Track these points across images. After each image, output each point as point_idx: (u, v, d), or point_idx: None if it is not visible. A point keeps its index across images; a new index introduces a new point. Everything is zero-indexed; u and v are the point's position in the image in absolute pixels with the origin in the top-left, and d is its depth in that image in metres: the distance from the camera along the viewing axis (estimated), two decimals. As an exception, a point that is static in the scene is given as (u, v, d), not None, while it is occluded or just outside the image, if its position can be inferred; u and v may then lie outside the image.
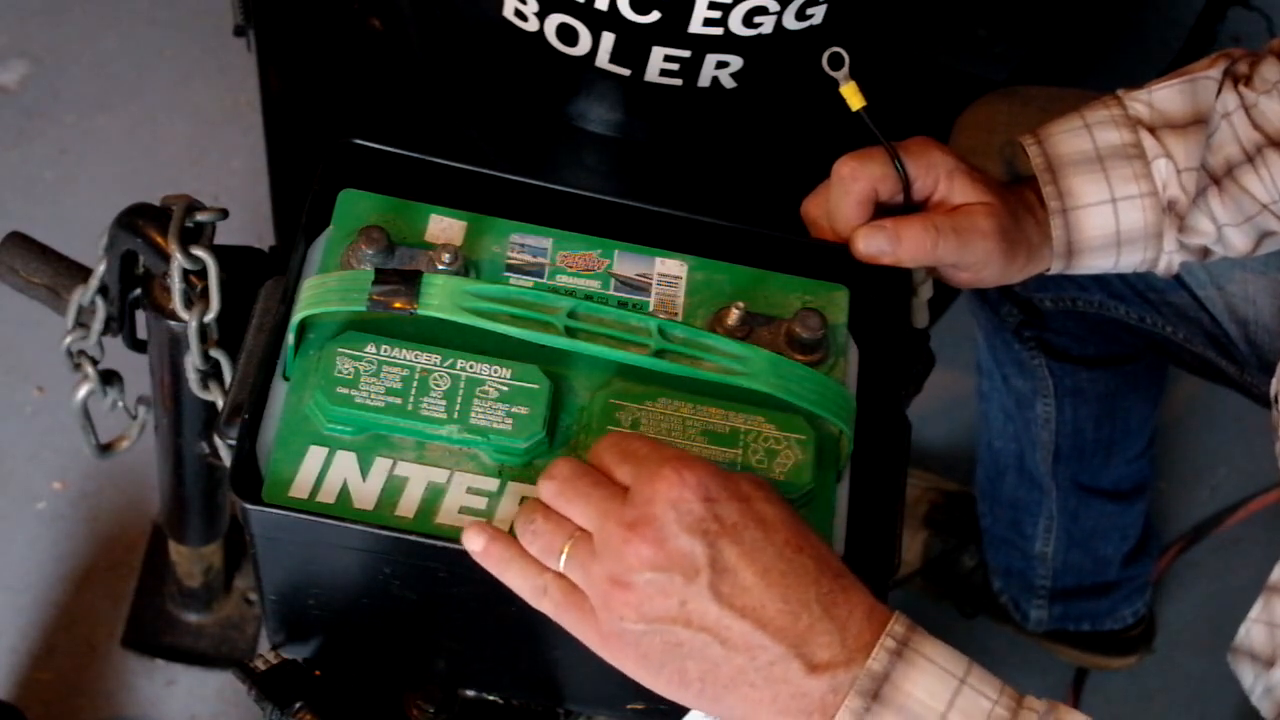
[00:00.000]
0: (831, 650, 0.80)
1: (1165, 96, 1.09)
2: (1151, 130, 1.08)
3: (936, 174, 1.02)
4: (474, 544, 0.85)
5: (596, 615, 0.83)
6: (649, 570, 0.80)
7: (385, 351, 0.90)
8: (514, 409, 0.89)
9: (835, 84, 1.01)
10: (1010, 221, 1.04)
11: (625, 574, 0.81)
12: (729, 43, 1.13)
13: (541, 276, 0.96)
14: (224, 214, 1.08)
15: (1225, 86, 1.09)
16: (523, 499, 0.88)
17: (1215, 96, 1.08)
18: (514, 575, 0.85)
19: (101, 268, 1.14)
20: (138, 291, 1.16)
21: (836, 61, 1.00)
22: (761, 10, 1.10)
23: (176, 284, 1.07)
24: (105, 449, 1.28)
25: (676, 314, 0.97)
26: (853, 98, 1.01)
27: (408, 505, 0.88)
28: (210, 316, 1.08)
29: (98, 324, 1.17)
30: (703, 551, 0.80)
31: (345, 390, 0.88)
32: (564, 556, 0.83)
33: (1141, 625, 1.82)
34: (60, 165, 2.00)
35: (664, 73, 1.15)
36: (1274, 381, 1.05)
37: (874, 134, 1.00)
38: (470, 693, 1.13)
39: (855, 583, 0.83)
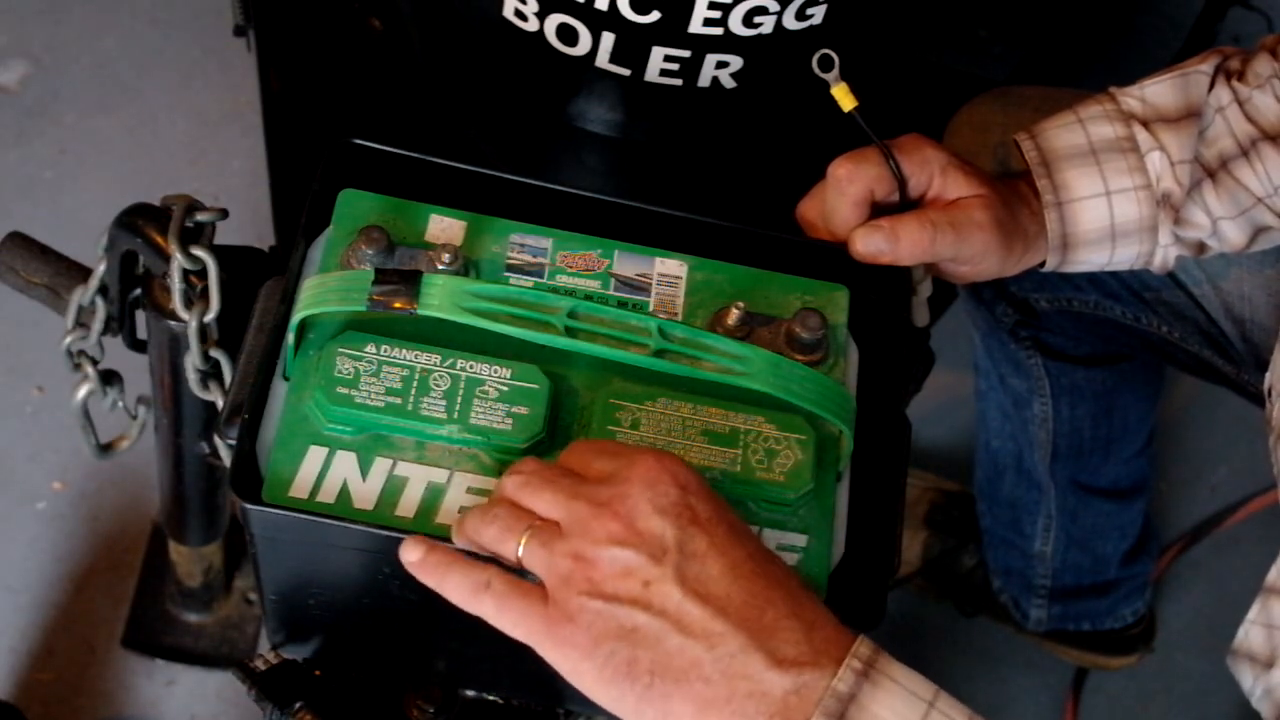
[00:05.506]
0: (798, 648, 0.78)
1: (1157, 91, 1.09)
2: (1144, 124, 1.08)
3: (930, 171, 1.03)
4: (411, 555, 0.82)
5: (547, 600, 0.80)
6: (615, 546, 0.78)
7: (385, 351, 0.90)
8: (514, 409, 0.89)
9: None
10: (1005, 213, 1.04)
11: (590, 549, 0.79)
12: (729, 43, 1.13)
13: (541, 276, 0.96)
14: (224, 214, 1.08)
15: (1218, 81, 1.09)
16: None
17: (1208, 91, 1.09)
18: (454, 579, 0.81)
19: (101, 268, 1.14)
20: (138, 291, 1.16)
21: (826, 63, 1.00)
22: (761, 10, 1.10)
23: (176, 284, 1.07)
24: (105, 449, 1.28)
25: (676, 314, 0.97)
26: (844, 99, 1.01)
27: (408, 505, 0.88)
28: (210, 316, 1.08)
29: (98, 324, 1.17)
30: (673, 535, 0.79)
31: (345, 390, 0.88)
32: (523, 542, 0.81)
33: (1141, 625, 1.82)
34: (60, 165, 2.00)
35: (664, 73, 1.15)
36: (1267, 376, 1.05)
37: (867, 135, 1.01)
38: (470, 693, 1.14)
39: (821, 602, 0.82)
